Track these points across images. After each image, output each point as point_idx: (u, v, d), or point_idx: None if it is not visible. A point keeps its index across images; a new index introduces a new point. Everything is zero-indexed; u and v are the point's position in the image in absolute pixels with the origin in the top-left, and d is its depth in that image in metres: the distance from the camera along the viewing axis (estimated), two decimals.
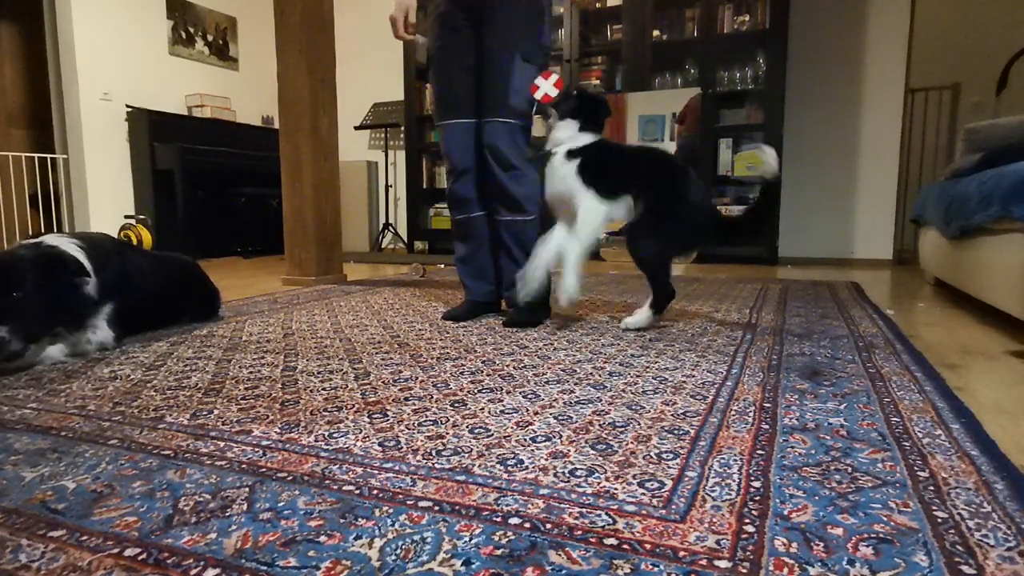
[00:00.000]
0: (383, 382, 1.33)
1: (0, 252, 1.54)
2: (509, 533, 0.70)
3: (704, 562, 0.64)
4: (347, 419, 1.09)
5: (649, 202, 1.81)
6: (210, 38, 5.42)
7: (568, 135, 1.91)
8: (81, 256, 1.58)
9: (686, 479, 0.83)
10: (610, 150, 1.92)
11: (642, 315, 1.88)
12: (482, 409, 1.14)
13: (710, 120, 4.24)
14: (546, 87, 1.93)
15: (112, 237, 1.84)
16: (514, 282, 1.99)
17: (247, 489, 0.81)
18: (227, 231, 5.09)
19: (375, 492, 0.80)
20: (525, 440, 0.98)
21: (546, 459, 0.91)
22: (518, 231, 2.06)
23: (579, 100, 1.93)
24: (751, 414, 1.10)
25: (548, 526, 0.71)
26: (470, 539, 0.69)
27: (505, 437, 1.00)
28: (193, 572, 0.63)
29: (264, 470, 0.87)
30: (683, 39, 4.35)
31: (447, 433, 1.02)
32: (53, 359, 1.53)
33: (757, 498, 0.77)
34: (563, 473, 0.86)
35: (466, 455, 0.92)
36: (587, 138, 1.90)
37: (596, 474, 0.85)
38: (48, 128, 4.65)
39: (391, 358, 1.55)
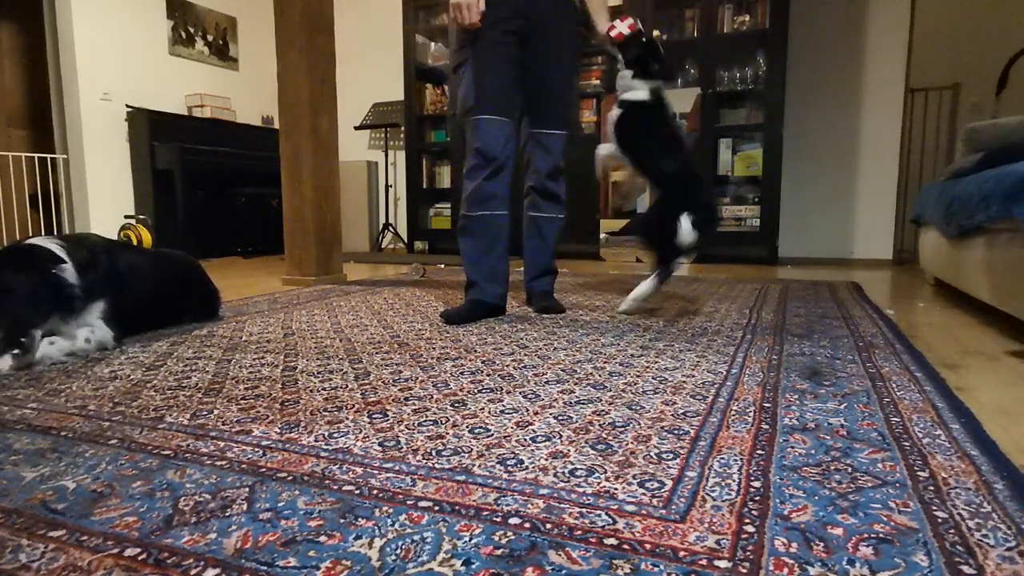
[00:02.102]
0: (383, 382, 1.33)
1: None
2: (509, 533, 0.70)
3: (704, 562, 0.64)
4: (347, 419, 1.09)
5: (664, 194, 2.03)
6: (210, 38, 5.42)
7: (625, 85, 2.07)
8: (57, 249, 1.59)
9: (686, 479, 0.83)
10: (647, 118, 2.07)
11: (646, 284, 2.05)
12: (482, 409, 1.14)
13: (710, 120, 4.24)
14: (621, 27, 2.07)
15: (103, 237, 1.83)
16: (541, 273, 2.26)
17: (247, 489, 0.81)
18: (227, 231, 5.09)
19: (375, 492, 0.80)
20: (525, 440, 0.98)
21: (546, 459, 0.91)
22: (556, 227, 2.25)
23: (639, 47, 2.07)
24: (751, 414, 1.10)
25: (548, 526, 0.71)
26: (470, 539, 0.69)
27: (505, 437, 1.00)
28: (193, 572, 0.63)
29: (264, 470, 0.87)
30: (683, 39, 4.35)
31: (447, 433, 1.02)
32: (52, 359, 1.53)
33: (757, 498, 0.77)
34: (563, 473, 0.86)
35: (466, 455, 0.92)
36: (639, 93, 2.05)
37: (596, 474, 0.85)
38: (48, 128, 4.65)
39: (391, 358, 1.55)
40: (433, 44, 5.24)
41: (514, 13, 2.02)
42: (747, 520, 0.72)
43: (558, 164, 2.19)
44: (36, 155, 4.54)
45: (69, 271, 1.58)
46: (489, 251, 2.10)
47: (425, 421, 1.08)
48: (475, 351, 1.62)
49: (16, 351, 1.43)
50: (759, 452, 0.92)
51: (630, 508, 0.75)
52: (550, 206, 2.22)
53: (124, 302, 1.73)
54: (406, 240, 5.39)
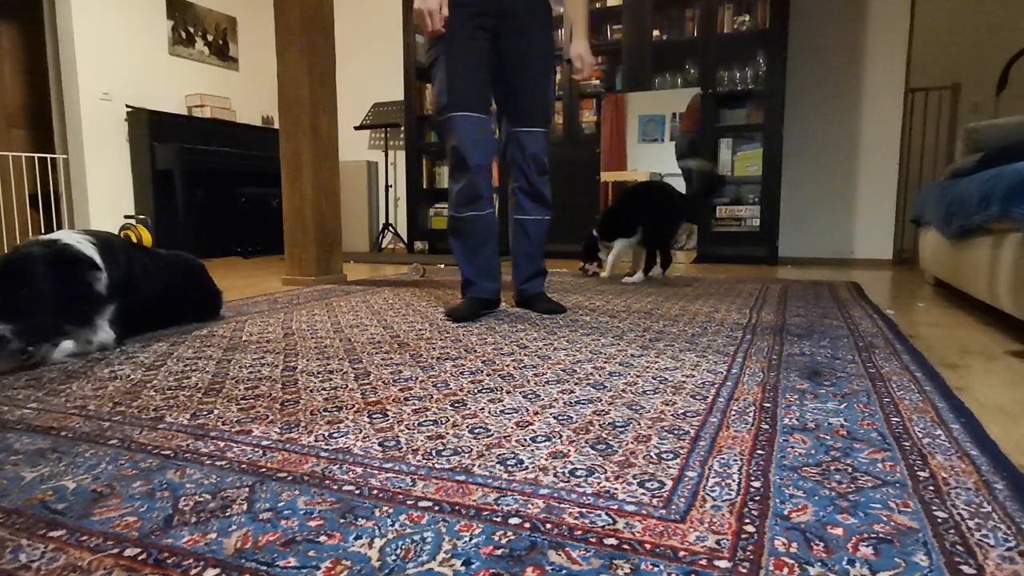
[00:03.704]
0: (383, 382, 1.33)
1: (13, 249, 1.54)
2: (509, 533, 0.70)
3: (704, 562, 0.64)
4: (347, 419, 1.09)
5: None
6: (210, 38, 5.42)
7: None
8: (94, 253, 1.59)
9: (686, 479, 0.83)
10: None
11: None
12: (482, 409, 1.14)
13: (710, 120, 4.24)
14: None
15: (119, 236, 1.83)
16: (531, 276, 2.23)
17: (247, 489, 0.81)
18: (227, 231, 5.09)
19: (375, 492, 0.80)
20: (525, 440, 0.98)
21: (546, 459, 0.91)
22: (542, 228, 2.22)
23: None
24: (751, 414, 1.10)
25: (548, 526, 0.71)
26: (470, 539, 0.69)
27: (505, 437, 1.00)
28: (193, 572, 0.63)
29: (264, 470, 0.87)
30: (683, 39, 4.35)
31: (447, 433, 1.02)
32: (54, 360, 1.52)
33: (757, 498, 0.77)
34: (563, 473, 0.86)
35: (466, 455, 0.92)
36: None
37: (596, 474, 0.85)
38: (48, 128, 4.65)
39: (391, 358, 1.55)
40: None
41: (485, 10, 2.00)
42: (747, 520, 0.72)
43: (541, 162, 2.15)
44: (36, 155, 4.54)
45: (103, 280, 1.58)
46: (480, 249, 2.13)
47: (425, 421, 1.08)
48: (475, 351, 1.62)
49: (24, 357, 1.44)
50: (759, 452, 0.92)
51: (630, 508, 0.75)
52: (536, 207, 2.19)
53: (133, 304, 1.73)
54: (406, 240, 5.39)
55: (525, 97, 2.11)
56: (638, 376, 1.36)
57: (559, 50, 4.63)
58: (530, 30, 2.08)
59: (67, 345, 1.55)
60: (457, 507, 0.76)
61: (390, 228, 5.48)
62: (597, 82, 4.64)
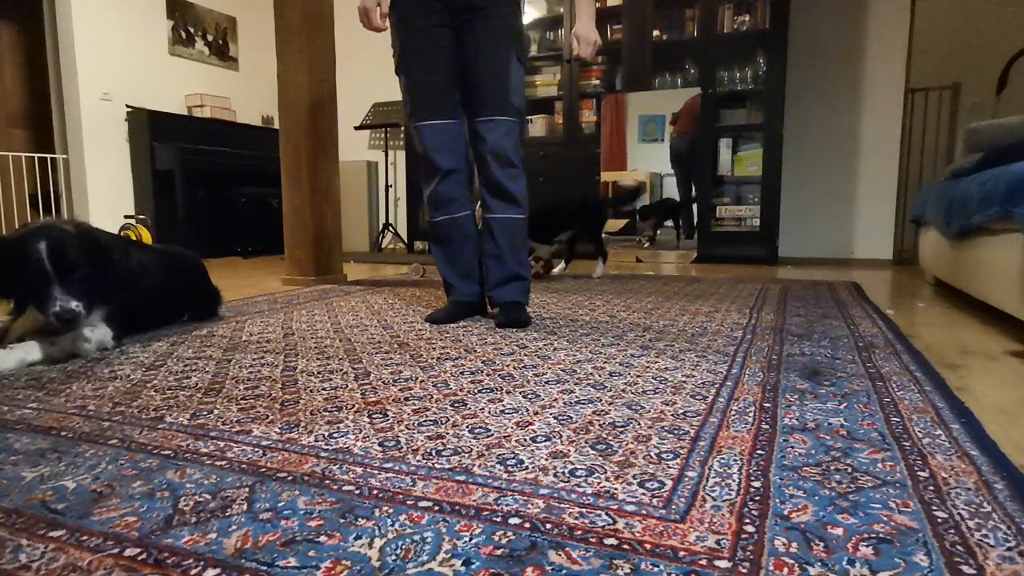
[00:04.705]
0: (383, 382, 1.33)
1: (42, 225, 1.54)
2: (509, 533, 0.70)
3: (704, 562, 0.64)
4: (347, 419, 1.09)
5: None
6: (210, 38, 5.42)
7: None
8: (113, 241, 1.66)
9: (686, 479, 0.83)
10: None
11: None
12: (482, 409, 1.14)
13: (710, 120, 4.24)
14: None
15: (110, 232, 1.83)
16: (501, 281, 2.04)
17: (247, 489, 0.81)
18: (227, 231, 5.09)
19: (375, 492, 0.80)
20: (525, 440, 0.98)
21: (546, 459, 0.91)
22: (511, 228, 2.03)
23: None
24: (751, 414, 1.10)
25: (548, 526, 0.71)
26: (470, 539, 0.69)
27: (505, 437, 1.00)
28: (193, 572, 0.63)
29: (264, 470, 0.87)
30: (683, 39, 4.36)
31: (447, 433, 1.02)
32: (53, 358, 1.52)
33: (757, 498, 0.77)
34: (563, 473, 0.85)
35: (466, 455, 0.92)
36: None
37: (596, 474, 0.85)
38: (48, 128, 4.65)
39: (391, 358, 1.55)
40: None
41: (436, 7, 1.92)
42: (747, 520, 0.72)
43: (503, 154, 1.96)
44: (36, 155, 4.54)
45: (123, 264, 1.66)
46: (459, 252, 2.09)
47: (425, 421, 1.08)
48: (475, 351, 1.62)
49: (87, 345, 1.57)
50: (759, 452, 0.92)
51: (630, 508, 0.75)
52: (500, 204, 2.01)
53: (130, 302, 1.72)
54: (406, 240, 5.39)
55: (482, 86, 1.96)
56: (638, 376, 1.36)
57: (558, 50, 4.65)
58: (487, 18, 1.95)
59: (64, 343, 1.55)
60: (457, 507, 0.76)
61: (390, 228, 5.48)
62: (597, 81, 4.64)
